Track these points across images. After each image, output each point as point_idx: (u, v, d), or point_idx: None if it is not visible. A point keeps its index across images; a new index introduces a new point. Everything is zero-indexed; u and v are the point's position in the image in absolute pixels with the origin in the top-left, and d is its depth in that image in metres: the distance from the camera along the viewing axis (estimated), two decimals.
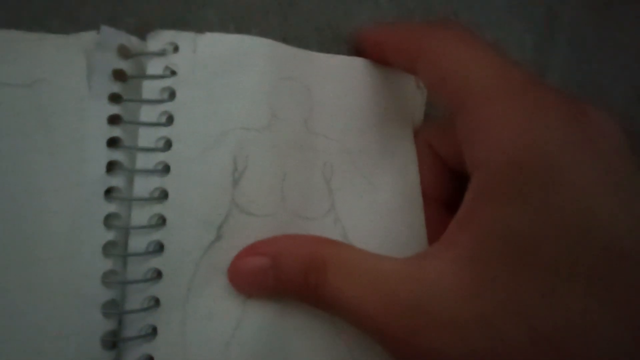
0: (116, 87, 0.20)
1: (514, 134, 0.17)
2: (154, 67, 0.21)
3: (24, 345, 0.18)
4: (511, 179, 0.16)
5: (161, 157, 0.20)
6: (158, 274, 0.19)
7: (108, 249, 0.19)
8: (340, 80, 0.23)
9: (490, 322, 0.16)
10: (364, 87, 0.24)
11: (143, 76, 0.20)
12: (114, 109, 0.20)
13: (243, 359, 0.19)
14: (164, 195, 0.20)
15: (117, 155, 0.20)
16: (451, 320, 0.16)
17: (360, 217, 0.22)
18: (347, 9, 0.26)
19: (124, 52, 0.20)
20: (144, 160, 0.20)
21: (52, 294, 0.18)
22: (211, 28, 0.22)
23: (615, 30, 0.31)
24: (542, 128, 0.17)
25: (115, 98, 0.20)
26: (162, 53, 0.21)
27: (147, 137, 0.20)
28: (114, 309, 0.19)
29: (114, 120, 0.20)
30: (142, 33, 0.21)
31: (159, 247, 0.20)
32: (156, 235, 0.19)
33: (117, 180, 0.20)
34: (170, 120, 0.20)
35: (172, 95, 0.20)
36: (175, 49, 0.21)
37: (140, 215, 0.20)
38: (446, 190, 0.24)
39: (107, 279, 0.19)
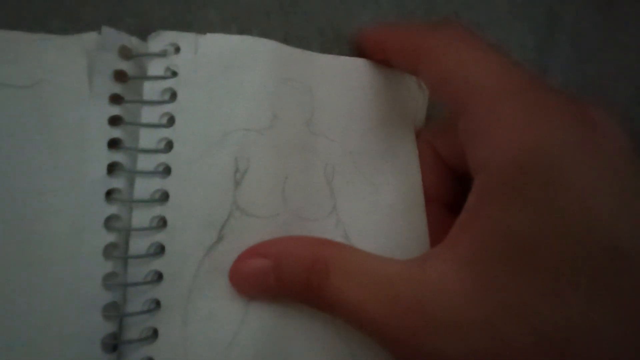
0: (117, 88, 0.20)
1: (516, 135, 0.17)
2: (155, 68, 0.20)
3: (24, 348, 0.18)
4: (513, 180, 0.16)
5: (162, 158, 0.20)
6: (159, 276, 0.19)
7: (109, 251, 0.19)
8: (341, 81, 0.23)
9: (492, 323, 0.16)
10: (365, 88, 0.24)
11: (144, 77, 0.20)
12: (115, 110, 0.20)
13: None
14: (165, 196, 0.20)
15: (118, 156, 0.20)
16: (453, 321, 0.16)
17: (362, 218, 0.22)
18: (349, 10, 0.26)
19: (125, 53, 0.20)
20: (145, 162, 0.20)
21: (52, 296, 0.18)
22: (212, 29, 0.22)
23: (616, 30, 0.31)
24: (545, 129, 0.16)
25: (116, 99, 0.20)
26: (163, 54, 0.21)
27: (148, 138, 0.20)
28: (114, 311, 0.19)
29: (114, 121, 0.20)
30: (143, 34, 0.21)
31: (160, 249, 0.19)
32: (157, 237, 0.19)
33: (117, 182, 0.19)
34: (171, 121, 0.20)
35: (173, 96, 0.20)
36: (177, 49, 0.21)
37: (141, 217, 0.19)
38: (448, 191, 0.24)
39: (108, 281, 0.19)
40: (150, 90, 0.20)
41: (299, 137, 0.22)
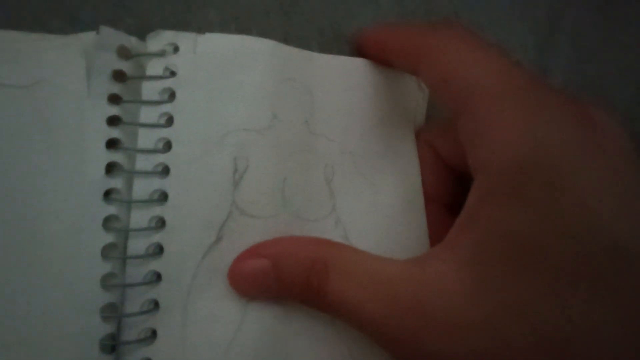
0: (116, 88, 0.20)
1: (516, 136, 0.17)
2: (154, 67, 0.20)
3: (23, 348, 0.18)
4: (514, 181, 0.16)
5: (161, 158, 0.20)
6: (157, 277, 0.19)
7: (107, 251, 0.19)
8: (341, 81, 0.23)
9: (492, 324, 0.16)
10: (365, 88, 0.24)
11: (143, 77, 0.20)
12: (114, 110, 0.20)
13: None
14: (163, 197, 0.20)
15: (117, 156, 0.20)
16: (453, 322, 0.16)
17: (362, 219, 0.22)
18: (349, 10, 0.26)
19: (124, 53, 0.20)
20: (143, 162, 0.20)
21: (50, 296, 0.18)
22: (212, 28, 0.22)
23: (617, 30, 0.31)
24: (545, 129, 0.16)
25: (114, 99, 0.20)
26: (162, 54, 0.21)
27: (146, 138, 0.20)
28: (113, 312, 0.19)
29: (113, 121, 0.20)
30: (142, 33, 0.21)
31: (159, 250, 0.19)
32: (156, 238, 0.19)
33: (116, 182, 0.19)
34: (170, 121, 0.20)
35: (172, 96, 0.20)
36: (176, 49, 0.21)
37: (140, 217, 0.19)
38: (448, 191, 0.24)
39: (106, 281, 0.19)
40: (149, 90, 0.20)
41: (298, 137, 0.22)
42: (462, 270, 0.17)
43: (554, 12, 0.30)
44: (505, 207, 0.16)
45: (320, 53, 0.23)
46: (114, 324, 0.19)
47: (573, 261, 0.15)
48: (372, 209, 0.23)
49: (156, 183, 0.20)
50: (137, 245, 0.19)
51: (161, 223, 0.19)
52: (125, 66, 0.20)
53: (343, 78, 0.23)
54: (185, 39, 0.21)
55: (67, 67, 0.20)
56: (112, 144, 0.20)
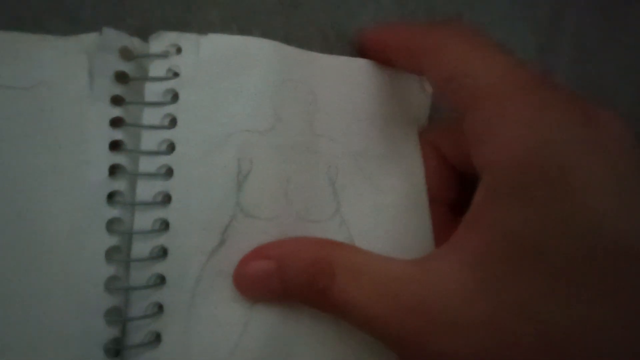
0: (118, 90, 0.20)
1: (522, 135, 0.17)
2: (157, 69, 0.20)
3: (26, 352, 0.18)
4: (520, 181, 0.16)
5: (164, 160, 0.20)
6: (162, 280, 0.19)
7: (111, 254, 0.19)
8: (344, 82, 0.23)
9: (498, 324, 0.16)
10: (368, 89, 0.24)
11: (145, 78, 0.20)
12: (116, 112, 0.20)
13: None
14: (167, 199, 0.20)
15: (120, 158, 0.19)
16: (458, 322, 0.16)
17: (366, 220, 0.22)
18: (350, 10, 0.26)
19: (126, 54, 0.20)
20: (146, 164, 0.20)
21: (54, 300, 0.18)
22: (213, 29, 0.22)
23: (619, 31, 0.31)
24: (551, 129, 0.16)
25: (117, 100, 0.20)
26: (164, 55, 0.20)
27: (150, 140, 0.20)
28: (117, 316, 0.19)
29: (116, 122, 0.20)
30: (144, 34, 0.21)
31: (163, 252, 0.19)
32: (160, 240, 0.19)
33: (119, 184, 0.19)
34: (173, 122, 0.20)
35: (175, 97, 0.20)
36: (178, 50, 0.21)
37: (144, 220, 0.19)
38: (452, 191, 0.24)
39: (110, 285, 0.19)
40: (152, 91, 0.20)
41: (301, 138, 0.22)
42: (466, 271, 0.17)
43: (555, 12, 0.30)
44: (509, 206, 0.16)
45: (322, 53, 0.23)
46: (119, 328, 0.19)
47: (576, 261, 0.15)
48: (376, 209, 0.23)
49: (160, 185, 0.20)
50: (141, 247, 0.19)
51: (165, 225, 0.19)
52: (127, 67, 0.20)
53: (345, 78, 0.23)
54: (187, 40, 0.21)
55: (68, 68, 0.19)
56: (115, 145, 0.19)
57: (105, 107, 0.19)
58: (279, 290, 0.19)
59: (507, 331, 0.16)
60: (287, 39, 0.22)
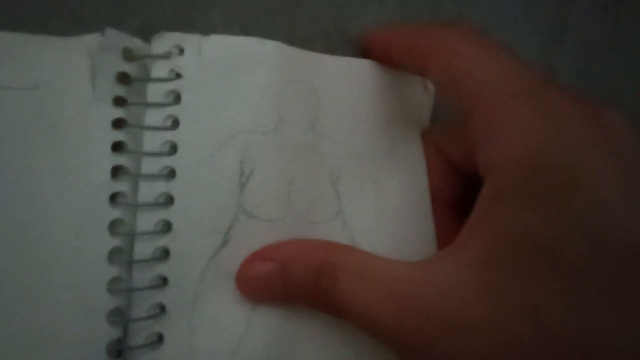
0: (120, 90, 0.20)
1: (527, 135, 0.17)
2: (159, 69, 0.20)
3: (29, 353, 0.18)
4: (526, 181, 0.16)
5: (166, 161, 0.20)
6: (164, 281, 0.19)
7: (113, 255, 0.19)
8: (347, 83, 0.23)
9: (503, 325, 0.16)
10: (371, 89, 0.23)
11: (148, 79, 0.20)
12: (119, 113, 0.20)
13: None
14: (169, 200, 0.20)
15: (122, 159, 0.19)
16: (463, 323, 0.16)
17: (369, 221, 0.22)
18: (353, 10, 0.25)
19: (129, 55, 0.20)
20: (149, 165, 0.20)
21: (56, 301, 0.18)
22: (216, 29, 0.22)
23: (623, 31, 0.31)
24: (558, 129, 0.16)
25: (119, 101, 0.20)
26: (167, 56, 0.20)
27: (152, 141, 0.20)
28: (119, 317, 0.19)
29: (118, 124, 0.20)
30: (146, 35, 0.21)
31: (165, 253, 0.19)
32: (162, 241, 0.19)
33: (122, 186, 0.19)
34: (175, 123, 0.20)
35: (177, 98, 0.20)
36: (181, 51, 0.20)
37: (146, 221, 0.19)
38: (455, 192, 0.24)
39: (113, 286, 0.19)
40: (154, 92, 0.20)
41: (304, 139, 0.22)
42: (472, 272, 0.17)
43: (560, 13, 0.30)
44: (517, 207, 0.16)
45: (325, 54, 0.23)
46: (121, 329, 0.19)
47: (586, 261, 0.15)
48: (378, 211, 0.23)
49: (162, 186, 0.20)
50: (143, 249, 0.19)
51: (167, 226, 0.19)
52: (130, 68, 0.20)
53: (348, 79, 0.23)
54: (190, 41, 0.21)
55: (70, 69, 0.19)
56: (117, 147, 0.19)
57: (107, 108, 0.19)
58: (281, 292, 0.19)
59: (512, 333, 0.16)
60: (290, 40, 0.22)
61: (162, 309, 0.19)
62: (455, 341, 0.16)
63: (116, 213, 0.19)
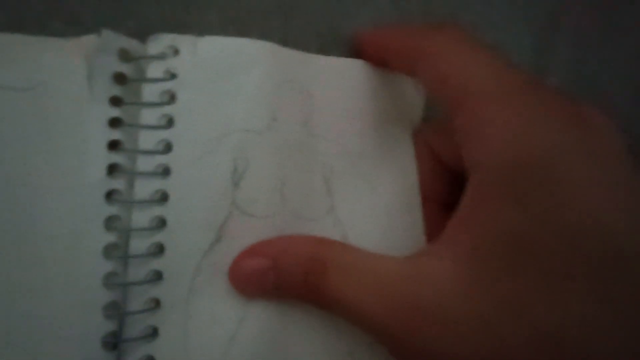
0: (117, 90, 0.20)
1: (512, 135, 0.17)
2: (155, 70, 0.21)
3: (25, 347, 0.18)
4: (509, 179, 0.17)
5: (162, 159, 0.20)
6: (159, 276, 0.20)
7: (109, 251, 0.19)
8: (340, 83, 0.23)
9: (490, 321, 0.16)
10: (363, 89, 0.24)
11: (143, 79, 0.21)
12: (115, 112, 0.20)
13: (244, 359, 0.19)
14: (164, 197, 0.20)
15: (118, 157, 0.20)
16: (449, 318, 0.17)
17: (360, 218, 0.23)
18: (347, 11, 0.26)
19: (125, 56, 0.20)
20: (144, 163, 0.20)
21: (53, 296, 0.18)
22: (211, 31, 0.22)
23: (616, 31, 0.31)
24: (541, 129, 0.17)
25: (115, 101, 0.20)
26: (162, 56, 0.21)
27: (147, 139, 0.20)
28: (115, 310, 0.19)
29: (114, 123, 0.20)
30: (142, 36, 0.21)
31: (160, 249, 0.20)
32: (157, 237, 0.20)
33: (117, 183, 0.20)
34: (170, 122, 0.20)
35: (172, 98, 0.21)
36: (176, 52, 0.21)
37: (141, 218, 0.20)
38: (445, 190, 0.24)
39: (108, 280, 0.19)
40: (150, 92, 0.20)
41: (297, 138, 0.22)
42: (458, 267, 0.17)
43: (553, 13, 0.30)
44: (500, 205, 0.17)
45: (319, 55, 0.23)
46: (116, 322, 0.19)
47: (569, 258, 0.15)
48: (370, 208, 0.23)
49: (157, 183, 0.20)
50: (139, 244, 0.19)
51: (162, 223, 0.20)
52: (126, 69, 0.20)
53: (341, 79, 0.23)
54: (185, 42, 0.21)
55: (67, 69, 0.20)
56: (113, 145, 0.20)
57: (103, 108, 0.20)
58: (273, 287, 0.20)
59: (499, 328, 0.16)
60: (284, 41, 0.23)
61: (157, 303, 0.19)
62: (440, 335, 0.17)
63: (112, 210, 0.19)
